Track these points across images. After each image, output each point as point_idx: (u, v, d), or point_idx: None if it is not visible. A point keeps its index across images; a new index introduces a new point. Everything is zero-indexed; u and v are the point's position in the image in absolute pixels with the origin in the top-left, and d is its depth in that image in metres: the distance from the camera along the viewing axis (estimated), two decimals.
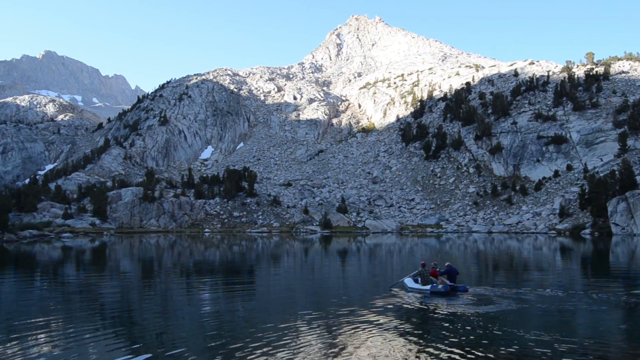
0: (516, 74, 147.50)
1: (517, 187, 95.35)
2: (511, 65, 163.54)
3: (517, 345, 10.64)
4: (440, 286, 17.93)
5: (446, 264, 19.26)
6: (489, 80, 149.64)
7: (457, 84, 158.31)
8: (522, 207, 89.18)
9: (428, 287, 18.24)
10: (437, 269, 19.15)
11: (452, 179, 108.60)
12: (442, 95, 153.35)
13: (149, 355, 10.06)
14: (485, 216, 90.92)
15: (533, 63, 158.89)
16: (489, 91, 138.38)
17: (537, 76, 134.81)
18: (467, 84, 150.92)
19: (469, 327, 12.22)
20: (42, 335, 11.71)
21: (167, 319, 14.28)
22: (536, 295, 17.14)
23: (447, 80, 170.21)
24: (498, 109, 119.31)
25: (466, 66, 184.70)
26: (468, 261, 34.05)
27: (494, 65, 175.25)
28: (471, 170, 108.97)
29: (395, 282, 20.10)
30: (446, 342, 10.87)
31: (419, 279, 18.97)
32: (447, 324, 12.66)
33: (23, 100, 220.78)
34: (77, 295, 19.15)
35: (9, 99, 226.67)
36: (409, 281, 19.44)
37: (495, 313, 13.96)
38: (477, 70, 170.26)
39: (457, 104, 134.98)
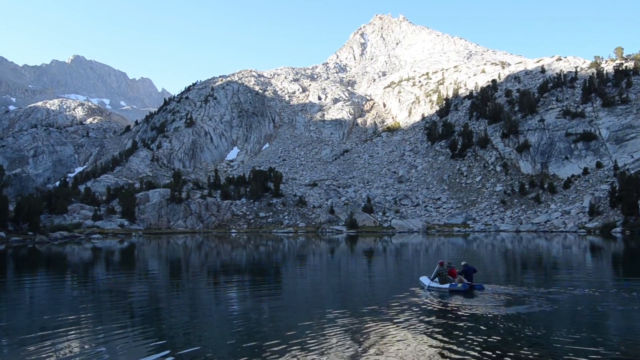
0: (543, 71, 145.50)
1: (546, 186, 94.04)
2: (538, 61, 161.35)
3: (547, 348, 10.44)
4: (459, 285, 18.01)
5: (462, 263, 19.28)
6: (516, 77, 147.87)
7: (483, 81, 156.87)
8: (550, 206, 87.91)
9: (447, 285, 18.28)
10: (453, 268, 19.27)
11: (479, 178, 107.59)
12: (467, 93, 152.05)
13: (176, 353, 10.14)
14: (513, 215, 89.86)
15: (560, 59, 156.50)
16: (515, 88, 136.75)
17: (565, 72, 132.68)
18: (493, 81, 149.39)
19: (497, 328, 12.03)
20: (73, 334, 11.90)
21: (195, 318, 14.39)
22: (567, 295, 16.79)
23: (473, 78, 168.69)
24: (525, 106, 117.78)
25: (492, 63, 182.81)
26: (496, 260, 33.69)
27: (520, 62, 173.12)
28: (498, 168, 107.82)
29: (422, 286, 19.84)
30: (475, 343, 10.72)
31: (437, 278, 18.98)
32: (474, 325, 12.47)
33: (53, 104, 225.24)
34: (107, 295, 19.40)
35: (40, 104, 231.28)
36: (425, 280, 19.50)
37: (524, 314, 13.70)
38: (503, 68, 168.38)
39: (483, 101, 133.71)
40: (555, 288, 18.23)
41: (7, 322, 13.93)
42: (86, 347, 10.77)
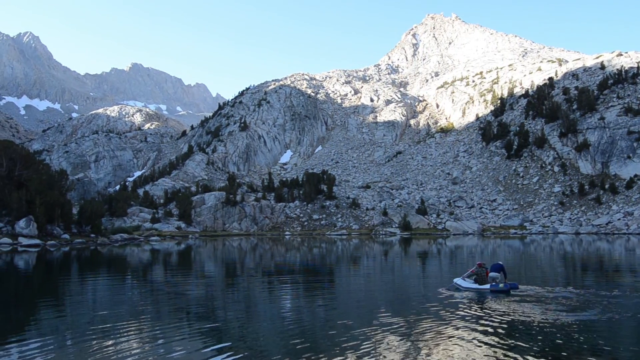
0: (603, 67, 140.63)
1: (607, 186, 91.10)
2: (597, 57, 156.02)
3: (609, 358, 10.16)
4: (501, 285, 17.84)
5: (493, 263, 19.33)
6: (573, 75, 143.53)
7: (539, 79, 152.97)
8: (612, 207, 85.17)
9: (487, 286, 18.16)
10: (487, 270, 19.19)
11: (536, 179, 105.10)
12: (523, 92, 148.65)
13: (230, 353, 10.46)
14: (572, 217, 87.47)
15: (621, 54, 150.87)
16: (573, 86, 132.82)
17: (626, 68, 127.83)
18: (550, 79, 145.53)
19: (553, 336, 11.71)
20: (132, 331, 12.47)
21: (249, 319, 14.77)
22: (630, 302, 16.17)
23: (529, 76, 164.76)
24: (584, 104, 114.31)
25: (548, 61, 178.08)
26: (554, 263, 33.02)
27: (578, 59, 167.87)
28: (556, 168, 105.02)
29: (450, 285, 19.89)
30: (530, 352, 10.65)
31: (474, 279, 18.99)
32: (533, 330, 12.22)
33: (113, 111, 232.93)
34: (165, 295, 20.05)
35: (100, 110, 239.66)
36: (460, 281, 19.40)
37: (584, 320, 13.23)
38: (560, 65, 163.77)
39: (540, 100, 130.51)
40: (619, 292, 17.72)
41: (72, 319, 14.73)
42: (144, 343, 11.30)
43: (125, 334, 12.19)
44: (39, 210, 51.90)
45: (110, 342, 11.37)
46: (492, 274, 18.61)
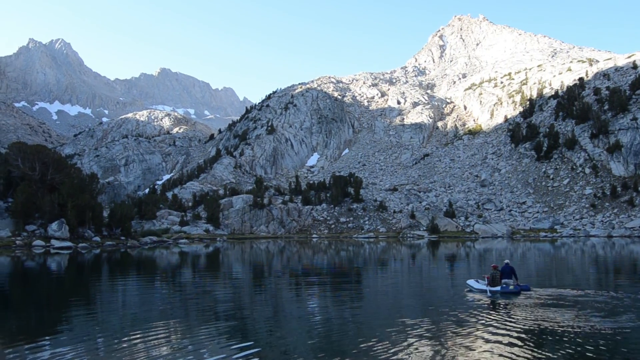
0: (635, 66, 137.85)
1: None
2: (629, 57, 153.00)
3: None
4: (511, 286, 18.76)
5: (504, 262, 20.13)
6: (605, 75, 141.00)
7: (569, 80, 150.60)
8: None
9: (498, 288, 18.94)
10: (501, 272, 19.83)
11: (567, 181, 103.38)
12: (553, 93, 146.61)
13: (258, 354, 10.57)
14: (604, 219, 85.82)
15: None
16: (604, 86, 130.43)
17: None
18: (580, 79, 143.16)
19: (584, 343, 11.37)
20: (161, 332, 12.71)
21: (277, 320, 14.94)
22: None
23: (558, 76, 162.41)
24: (615, 104, 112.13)
25: (578, 61, 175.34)
26: (586, 267, 32.47)
27: (610, 59, 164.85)
28: (587, 170, 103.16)
29: (470, 288, 20.60)
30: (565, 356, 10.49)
31: (487, 280, 19.72)
32: (557, 336, 12.00)
33: (142, 115, 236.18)
34: (193, 296, 20.32)
35: (130, 115, 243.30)
36: (473, 282, 20.25)
37: (616, 327, 12.79)
38: (591, 65, 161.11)
39: (570, 101, 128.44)
40: None
41: (102, 319, 15.06)
42: (172, 343, 11.57)
43: (154, 333, 12.45)
44: (70, 213, 52.87)
45: (139, 341, 11.66)
46: (505, 280, 19.31)
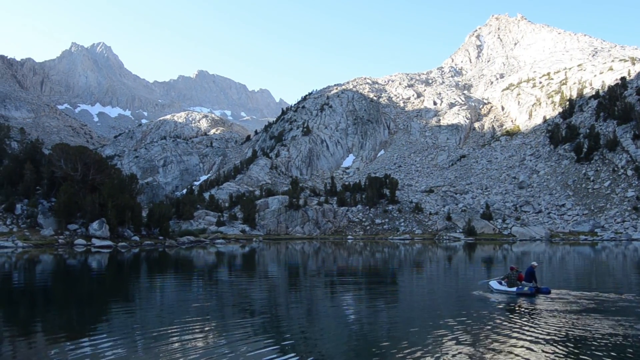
0: None
1: None
2: None
3: None
4: (526, 288, 19.09)
5: (532, 264, 20.49)
6: None
7: (611, 79, 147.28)
8: None
9: (514, 289, 19.35)
10: (521, 273, 20.39)
11: (608, 183, 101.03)
12: (593, 93, 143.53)
13: (292, 353, 10.74)
14: None
15: None
16: None
17: None
18: (622, 79, 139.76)
19: (624, 352, 11.27)
20: (197, 331, 12.98)
21: (311, 321, 15.09)
22: None
23: (599, 76, 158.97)
24: None
25: (620, 60, 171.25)
26: (628, 271, 31.83)
27: None
28: (629, 172, 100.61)
29: (482, 282, 21.70)
30: None
31: (505, 281, 20.29)
32: (594, 343, 11.76)
33: (180, 117, 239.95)
34: (229, 296, 20.65)
35: (168, 117, 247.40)
36: (494, 284, 20.70)
37: None
38: (634, 64, 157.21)
39: (611, 101, 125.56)
40: None
41: (141, 316, 15.54)
42: (208, 341, 11.82)
43: (190, 331, 12.79)
44: (110, 212, 54.16)
45: (176, 338, 12.02)
46: (524, 283, 19.78)
